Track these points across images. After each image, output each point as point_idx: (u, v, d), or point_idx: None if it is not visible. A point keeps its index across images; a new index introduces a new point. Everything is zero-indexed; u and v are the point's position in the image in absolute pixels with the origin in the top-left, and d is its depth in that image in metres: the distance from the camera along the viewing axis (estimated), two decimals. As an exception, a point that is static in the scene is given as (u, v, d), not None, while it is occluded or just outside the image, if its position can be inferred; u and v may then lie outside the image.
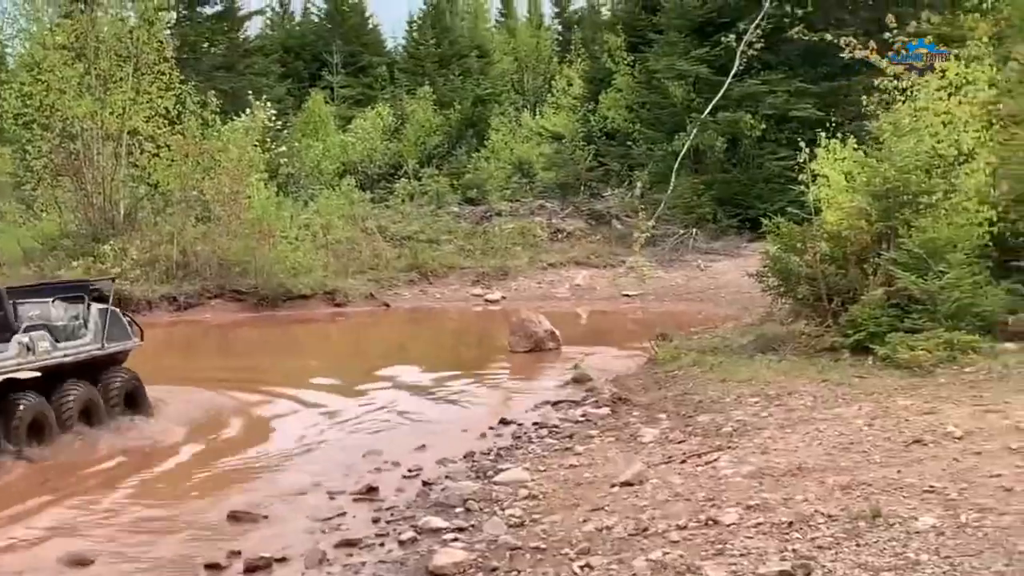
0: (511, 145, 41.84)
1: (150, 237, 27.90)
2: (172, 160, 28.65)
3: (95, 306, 12.99)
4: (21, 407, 11.03)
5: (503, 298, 27.58)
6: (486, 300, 27.71)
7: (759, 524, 6.53)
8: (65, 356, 12.02)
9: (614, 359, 16.75)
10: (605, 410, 11.97)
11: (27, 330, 11.55)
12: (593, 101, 39.85)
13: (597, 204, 34.69)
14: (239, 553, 7.34)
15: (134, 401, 12.99)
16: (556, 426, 11.43)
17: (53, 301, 12.62)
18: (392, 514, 8.29)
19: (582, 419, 11.69)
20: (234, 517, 8.36)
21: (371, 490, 9.10)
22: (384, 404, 14.08)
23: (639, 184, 33.22)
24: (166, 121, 28.82)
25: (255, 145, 29.34)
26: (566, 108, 43.33)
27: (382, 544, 7.48)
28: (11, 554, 8.00)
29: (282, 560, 7.19)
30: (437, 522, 7.78)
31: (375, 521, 8.15)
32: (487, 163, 40.17)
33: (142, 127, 28.63)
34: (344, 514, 8.41)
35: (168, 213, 28.94)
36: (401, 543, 7.42)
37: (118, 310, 13.68)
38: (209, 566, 7.15)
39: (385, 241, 30.69)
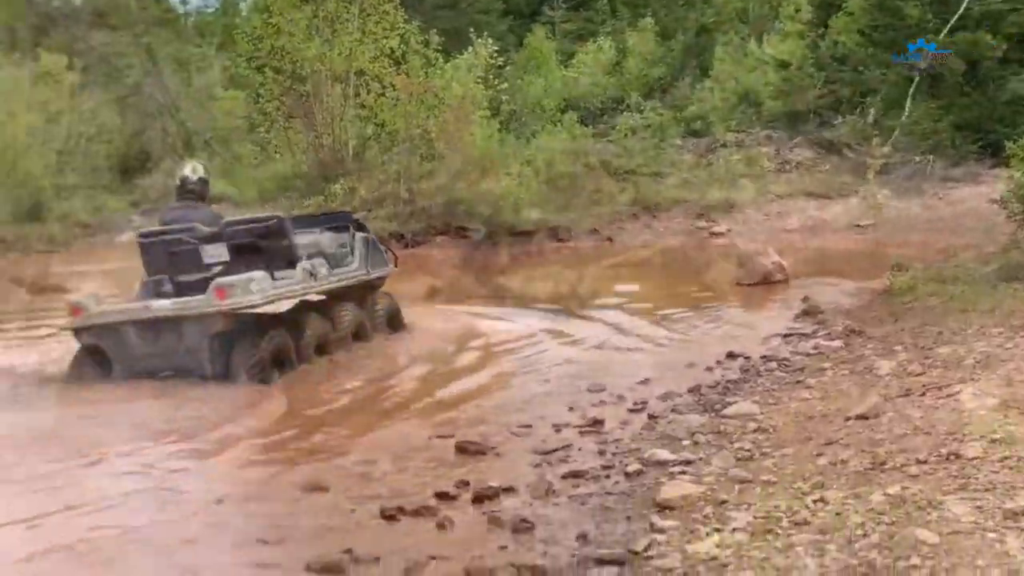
0: (736, 74, 40.85)
1: (378, 176, 28.53)
2: (397, 99, 29.12)
3: (358, 235, 14.00)
4: (310, 327, 12.20)
5: (729, 231, 27.07)
6: (711, 233, 27.25)
7: (1005, 458, 6.14)
8: (339, 281, 13.13)
9: (846, 291, 16.23)
10: (838, 343, 11.60)
11: (308, 258, 12.61)
12: (822, 26, 38.43)
13: (827, 132, 33.49)
14: (467, 483, 7.39)
15: (393, 323, 14.25)
16: (786, 359, 11.14)
17: (322, 231, 13.67)
18: (617, 447, 8.22)
19: (813, 352, 11.36)
20: (462, 449, 8.42)
21: (596, 423, 9.05)
22: (608, 337, 14.02)
23: (872, 111, 31.95)
24: (391, 61, 29.30)
25: (477, 82, 29.56)
26: (793, 34, 41.97)
27: (608, 476, 7.41)
28: (255, 475, 8.32)
29: (509, 490, 7.19)
30: (664, 455, 7.66)
31: (600, 453, 8.08)
32: (711, 94, 39.41)
33: (368, 67, 29.19)
34: (569, 446, 8.37)
35: (394, 152, 29.50)
36: (627, 475, 7.34)
37: (376, 238, 14.65)
38: (439, 495, 7.21)
39: (608, 176, 30.48)
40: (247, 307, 11.33)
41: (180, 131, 37.95)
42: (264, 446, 9.25)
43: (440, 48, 29.97)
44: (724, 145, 33.37)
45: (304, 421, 10.08)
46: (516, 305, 16.97)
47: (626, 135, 35.09)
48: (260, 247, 12.39)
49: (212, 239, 12.41)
